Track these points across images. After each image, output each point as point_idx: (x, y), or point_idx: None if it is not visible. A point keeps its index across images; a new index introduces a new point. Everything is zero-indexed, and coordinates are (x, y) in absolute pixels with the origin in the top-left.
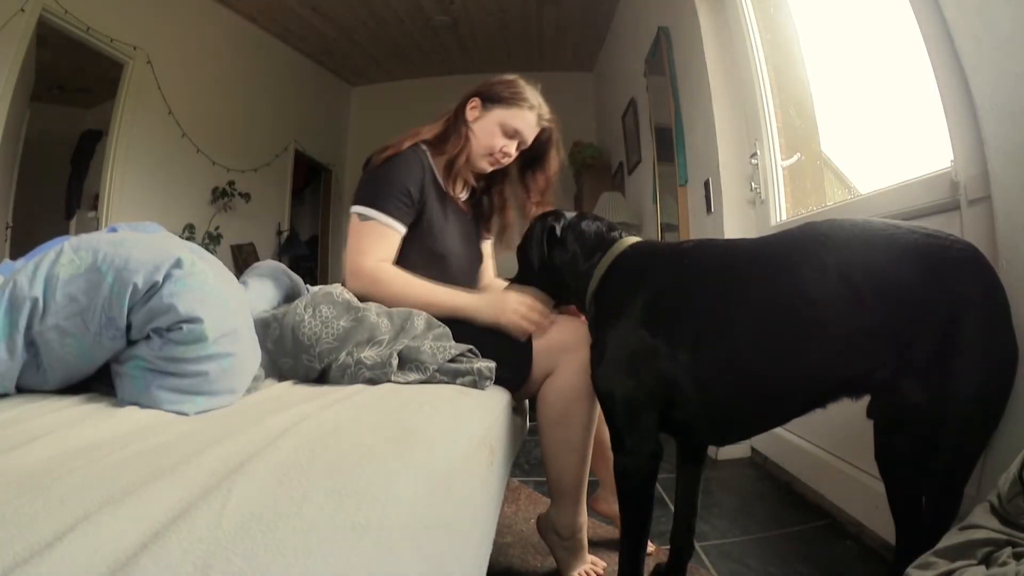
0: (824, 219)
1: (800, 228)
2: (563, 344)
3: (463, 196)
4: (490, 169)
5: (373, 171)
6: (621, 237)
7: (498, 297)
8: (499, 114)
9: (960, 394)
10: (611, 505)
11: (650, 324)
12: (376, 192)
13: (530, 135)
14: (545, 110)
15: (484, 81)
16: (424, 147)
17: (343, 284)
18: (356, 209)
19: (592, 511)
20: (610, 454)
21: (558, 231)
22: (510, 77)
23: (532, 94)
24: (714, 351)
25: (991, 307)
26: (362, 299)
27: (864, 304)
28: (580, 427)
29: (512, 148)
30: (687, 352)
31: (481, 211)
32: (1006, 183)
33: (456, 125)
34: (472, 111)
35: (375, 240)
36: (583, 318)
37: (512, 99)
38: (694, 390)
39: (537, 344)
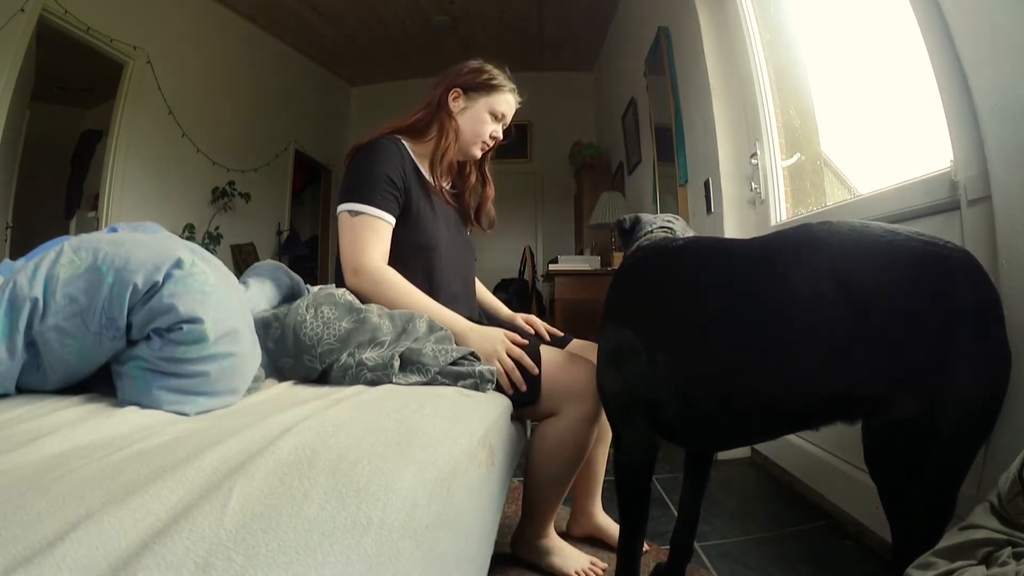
0: (820, 221)
1: (795, 230)
2: (574, 390)
3: (447, 187)
4: (480, 155)
5: (352, 165)
6: (651, 231)
7: (489, 331)
8: (486, 102)
9: (952, 408)
10: (582, 526)
11: (632, 324)
12: (360, 185)
13: (511, 115)
14: (515, 88)
15: (455, 72)
16: (400, 136)
17: (337, 283)
18: (344, 207)
19: (569, 538)
20: (592, 481)
21: (626, 223)
22: (477, 64)
23: (505, 77)
24: (691, 356)
25: (986, 319)
26: (362, 299)
27: (860, 312)
28: (565, 469)
29: (500, 132)
30: (664, 355)
31: (463, 201)
32: (1006, 183)
33: (439, 117)
34: (456, 102)
35: (370, 235)
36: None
37: (495, 86)
38: (671, 395)
39: (551, 381)
